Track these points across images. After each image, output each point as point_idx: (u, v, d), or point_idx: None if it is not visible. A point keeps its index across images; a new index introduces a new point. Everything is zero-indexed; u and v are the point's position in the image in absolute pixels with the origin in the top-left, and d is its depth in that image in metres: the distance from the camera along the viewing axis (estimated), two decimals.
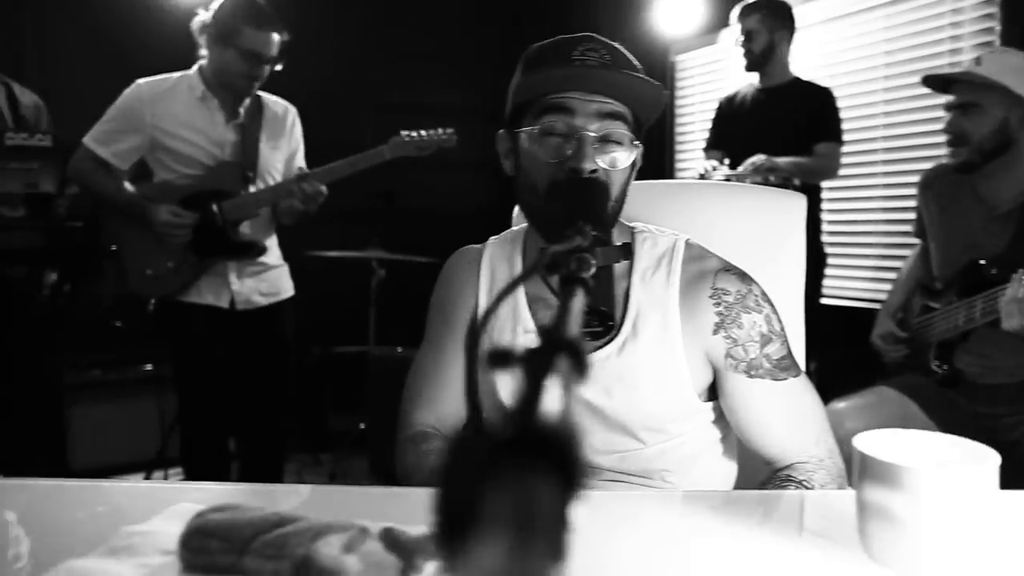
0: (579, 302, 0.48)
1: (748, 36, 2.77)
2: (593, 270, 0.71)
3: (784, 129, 2.76)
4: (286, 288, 2.37)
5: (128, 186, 2.20)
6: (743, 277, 1.03)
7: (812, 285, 2.81)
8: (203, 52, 2.21)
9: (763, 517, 0.83)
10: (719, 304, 1.00)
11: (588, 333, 0.80)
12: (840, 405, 1.79)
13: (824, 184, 3.09)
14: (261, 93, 2.28)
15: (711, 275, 1.02)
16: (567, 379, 0.31)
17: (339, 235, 3.03)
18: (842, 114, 2.90)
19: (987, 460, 0.57)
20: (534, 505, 0.20)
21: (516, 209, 1.40)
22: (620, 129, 0.96)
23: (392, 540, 0.58)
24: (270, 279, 2.31)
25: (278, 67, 2.20)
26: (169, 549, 0.61)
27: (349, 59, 3.72)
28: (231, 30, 2.12)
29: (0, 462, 2.33)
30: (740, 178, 2.60)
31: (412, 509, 0.74)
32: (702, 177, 2.68)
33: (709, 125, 3.08)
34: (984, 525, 0.55)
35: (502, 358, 0.37)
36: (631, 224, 1.09)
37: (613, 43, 0.99)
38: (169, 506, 0.71)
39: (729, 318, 1.00)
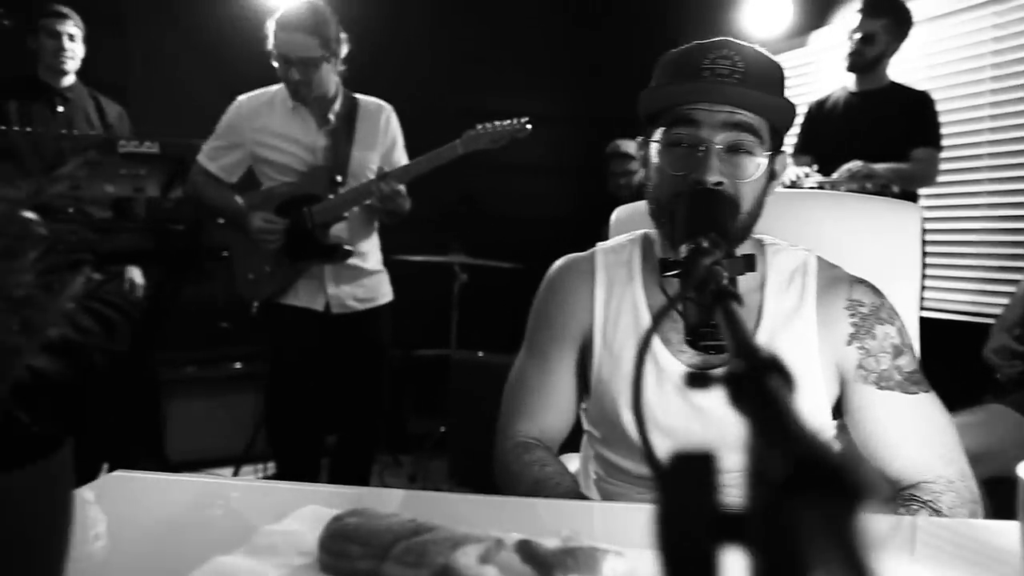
0: (740, 314, 0.47)
1: (866, 39, 2.65)
2: (724, 282, 0.69)
3: (880, 134, 2.65)
4: (384, 293, 2.41)
5: (237, 197, 2.32)
6: (875, 290, 1.03)
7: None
8: None
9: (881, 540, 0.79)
10: (854, 315, 1.00)
11: (711, 347, 0.78)
12: None
13: (922, 192, 2.95)
14: (357, 95, 2.34)
15: (846, 286, 1.02)
16: (784, 397, 0.29)
17: (422, 240, 3.07)
18: (945, 118, 2.77)
19: None
20: (847, 541, 0.18)
21: (614, 214, 1.38)
22: (748, 140, 0.93)
23: (529, 553, 0.57)
24: (367, 284, 2.36)
25: (316, 71, 2.18)
26: (307, 550, 0.62)
27: (435, 66, 3.77)
28: (270, 36, 2.18)
29: (104, 453, 2.45)
30: (834, 185, 2.51)
31: (537, 520, 0.74)
32: (792, 184, 2.59)
33: (797, 130, 2.98)
34: None
35: (701, 380, 0.35)
36: (759, 237, 1.07)
37: (749, 48, 0.97)
38: (297, 507, 0.72)
39: (863, 329, 0.99)
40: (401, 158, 2.38)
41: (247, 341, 3.01)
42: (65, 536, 0.53)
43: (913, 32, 3.09)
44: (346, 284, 2.31)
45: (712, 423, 0.98)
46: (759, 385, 0.29)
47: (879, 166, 2.54)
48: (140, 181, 2.50)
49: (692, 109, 0.93)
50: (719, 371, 0.33)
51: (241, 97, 2.32)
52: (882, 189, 2.47)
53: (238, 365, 3.23)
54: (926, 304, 2.98)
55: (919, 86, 2.78)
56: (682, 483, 0.28)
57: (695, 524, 0.26)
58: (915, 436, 0.97)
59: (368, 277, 2.36)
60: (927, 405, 0.98)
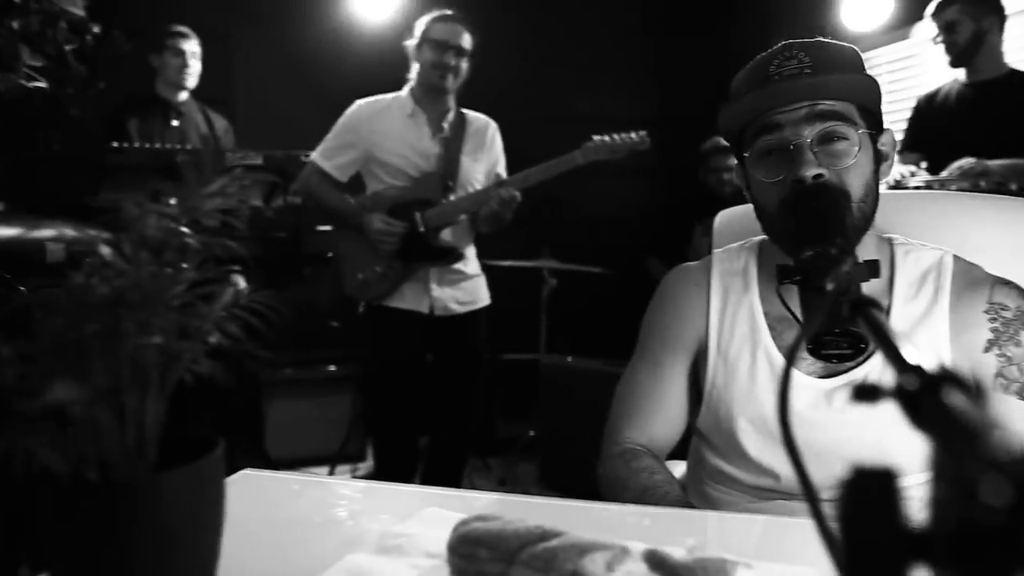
0: (881, 321, 0.45)
1: (949, 28, 2.53)
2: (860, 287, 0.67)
3: (997, 127, 2.50)
4: (482, 297, 2.47)
5: (348, 198, 2.40)
6: (1022, 292, 0.96)
7: None
8: (412, 75, 2.38)
9: None
10: (995, 320, 0.94)
11: (837, 355, 0.76)
12: None
13: None
14: (464, 110, 2.42)
15: (986, 288, 0.95)
16: (979, 410, 0.28)
17: (512, 245, 3.10)
18: None
19: None
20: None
21: (717, 219, 1.35)
22: (837, 125, 0.90)
23: (657, 561, 0.57)
24: (467, 288, 2.42)
25: (463, 62, 2.32)
26: (434, 552, 0.64)
27: (530, 72, 3.80)
28: (423, 29, 2.32)
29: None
30: (944, 184, 2.38)
31: (660, 531, 0.73)
32: (897, 184, 2.48)
33: (904, 126, 2.84)
34: None
35: (870, 393, 0.34)
36: (888, 236, 1.03)
37: (814, 41, 0.94)
38: (418, 509, 0.74)
39: (1006, 335, 0.93)
40: (503, 173, 2.45)
41: (341, 344, 3.11)
42: (218, 531, 0.57)
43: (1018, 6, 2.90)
44: (449, 287, 2.38)
45: (838, 433, 0.95)
46: (939, 401, 0.28)
47: (994, 162, 2.39)
48: (243, 192, 2.64)
49: (771, 115, 0.92)
50: (887, 385, 0.32)
51: (360, 101, 2.40)
52: (998, 187, 2.33)
53: (332, 368, 3.34)
54: None
55: None
56: (864, 502, 0.27)
57: (884, 544, 0.26)
58: None
59: (468, 280, 2.42)
60: None
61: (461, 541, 0.61)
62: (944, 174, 2.43)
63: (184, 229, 0.59)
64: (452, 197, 2.34)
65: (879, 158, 0.96)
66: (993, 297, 0.95)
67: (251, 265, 2.62)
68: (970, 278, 0.97)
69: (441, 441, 2.51)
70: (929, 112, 2.73)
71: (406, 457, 2.41)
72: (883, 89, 3.21)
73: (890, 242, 1.02)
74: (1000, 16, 2.54)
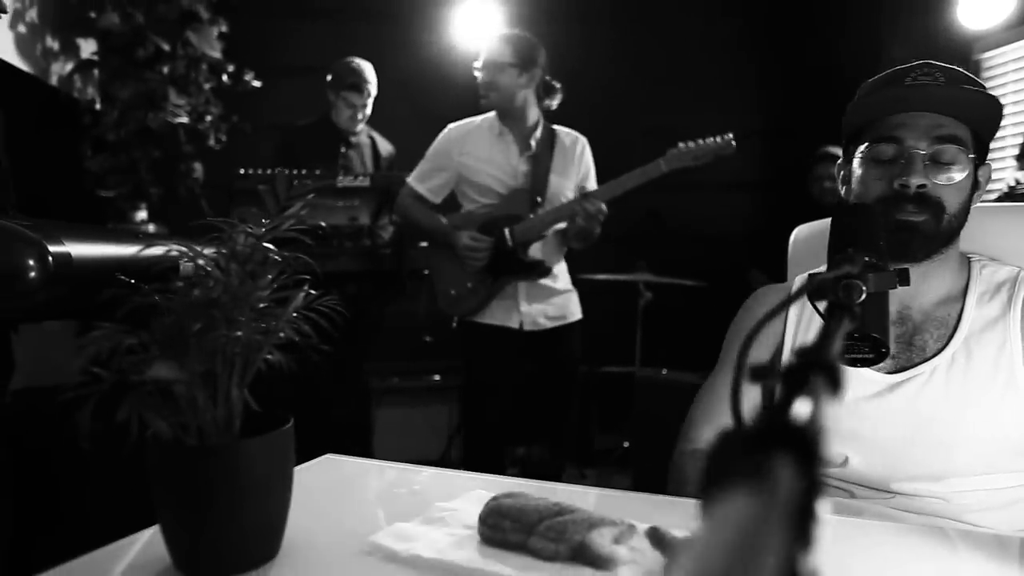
0: (843, 327, 0.51)
1: None
2: (863, 296, 0.71)
3: None
4: (574, 312, 2.51)
5: (440, 217, 2.50)
6: None
7: None
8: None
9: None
10: None
11: (859, 359, 0.79)
12: None
13: None
14: (555, 126, 2.49)
15: None
16: (821, 394, 0.34)
17: (607, 258, 3.16)
18: None
19: None
20: (780, 489, 0.25)
21: (794, 233, 1.38)
22: (952, 150, 0.96)
23: (658, 538, 0.64)
24: (557, 303, 2.47)
25: (513, 73, 2.38)
26: (470, 524, 0.73)
27: (616, 85, 3.87)
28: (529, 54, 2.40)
29: (326, 450, 2.80)
30: None
31: (675, 516, 0.79)
32: (1011, 190, 2.35)
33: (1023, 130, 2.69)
34: None
35: (761, 373, 0.41)
36: (969, 254, 1.08)
37: (951, 66, 0.99)
38: (467, 491, 0.84)
39: None
40: (593, 187, 2.48)
41: (445, 355, 3.27)
42: (287, 490, 0.69)
43: None
44: (538, 303, 2.43)
45: (902, 426, 0.98)
46: (800, 380, 0.35)
47: None
48: (354, 211, 2.85)
49: (896, 124, 0.97)
50: (779, 367, 0.38)
51: (451, 124, 2.50)
52: None
53: (437, 377, 3.51)
54: None
55: None
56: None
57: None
58: None
59: (558, 296, 2.47)
60: None
61: (489, 513, 0.70)
62: None
63: (267, 245, 0.72)
64: (540, 212, 2.39)
65: (976, 187, 1.01)
66: None
67: (359, 278, 2.80)
68: None
69: (536, 452, 2.59)
70: None
71: (495, 466, 2.49)
72: (1004, 90, 3.08)
73: (969, 259, 1.08)
74: None
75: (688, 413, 1.17)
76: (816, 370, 0.37)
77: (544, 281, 2.43)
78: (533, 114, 2.44)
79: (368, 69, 3.11)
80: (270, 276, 0.70)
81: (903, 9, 3.53)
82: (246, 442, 0.66)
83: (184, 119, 3.12)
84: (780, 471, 0.26)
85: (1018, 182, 2.40)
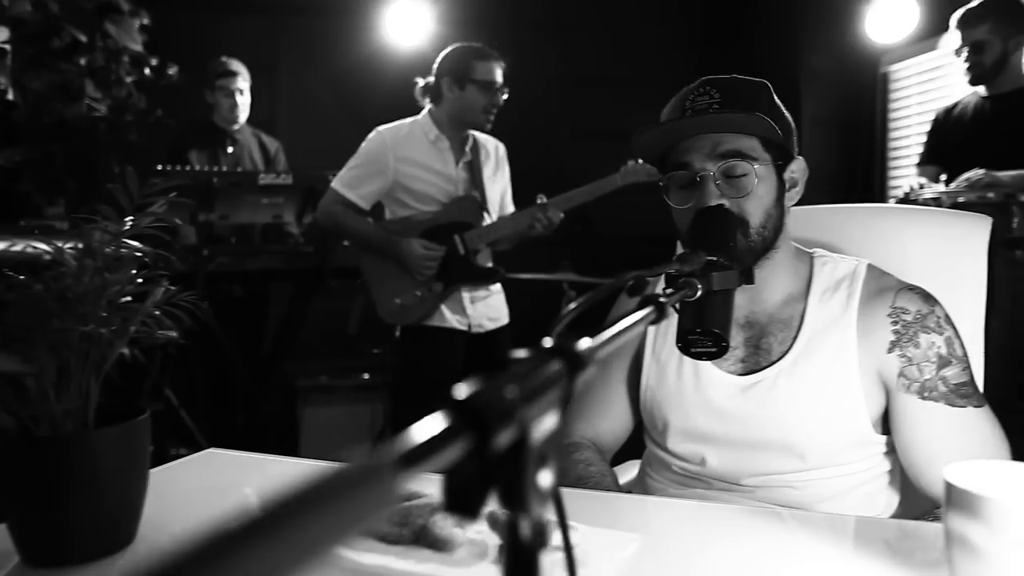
0: (636, 317, 0.56)
1: (977, 48, 2.50)
2: (699, 293, 0.77)
3: (1013, 139, 2.48)
4: (506, 314, 2.52)
5: (377, 224, 2.41)
6: (926, 298, 1.01)
7: None
8: (428, 105, 2.41)
9: (862, 542, 0.81)
10: (897, 322, 0.99)
11: (702, 353, 0.84)
12: None
13: None
14: (473, 132, 2.44)
15: (891, 293, 1.01)
16: (561, 380, 0.39)
17: (533, 258, 3.20)
18: None
19: None
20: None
21: None
22: (739, 164, 0.98)
23: (494, 521, 0.68)
24: (495, 305, 2.48)
25: (505, 95, 2.36)
26: None
27: (548, 88, 3.92)
28: (465, 68, 2.31)
29: (248, 449, 2.78)
30: (953, 196, 2.38)
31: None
32: (906, 196, 2.49)
33: (924, 140, 2.84)
34: None
35: (502, 363, 0.45)
36: (810, 250, 1.10)
37: (727, 78, 1.02)
38: None
39: (906, 337, 0.98)
40: (510, 192, 2.51)
41: (374, 354, 3.27)
42: (142, 480, 0.71)
43: None
44: (481, 305, 2.42)
45: (754, 426, 1.02)
46: (542, 363, 0.39)
47: (1004, 174, 2.38)
48: (279, 209, 2.84)
49: (684, 148, 1.00)
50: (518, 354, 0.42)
51: (382, 128, 2.39)
52: (1006, 199, 2.32)
53: (366, 376, 3.50)
54: None
55: None
56: None
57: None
58: (959, 452, 0.94)
59: (494, 297, 2.48)
60: (976, 420, 0.96)
61: None
62: (952, 186, 2.43)
63: (130, 242, 0.73)
64: (487, 219, 2.39)
65: (784, 185, 1.04)
66: (896, 302, 1.00)
67: (280, 277, 2.77)
68: (878, 285, 1.03)
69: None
70: (947, 125, 2.72)
71: None
72: (909, 102, 3.21)
73: (811, 255, 1.10)
74: None
75: (570, 408, 1.22)
76: (555, 355, 0.41)
77: (485, 287, 2.43)
78: None
79: (239, 64, 3.13)
80: (128, 273, 0.72)
81: (820, 22, 3.69)
82: (98, 432, 0.67)
83: (103, 112, 3.05)
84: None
85: (911, 188, 2.53)
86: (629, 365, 1.19)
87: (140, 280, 0.73)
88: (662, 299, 0.62)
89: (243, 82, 3.16)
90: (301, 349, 3.06)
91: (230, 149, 3.15)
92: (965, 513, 0.56)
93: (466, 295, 2.39)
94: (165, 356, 2.56)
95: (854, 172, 3.80)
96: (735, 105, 0.99)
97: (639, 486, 1.21)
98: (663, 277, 0.91)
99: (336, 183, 2.37)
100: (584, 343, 0.44)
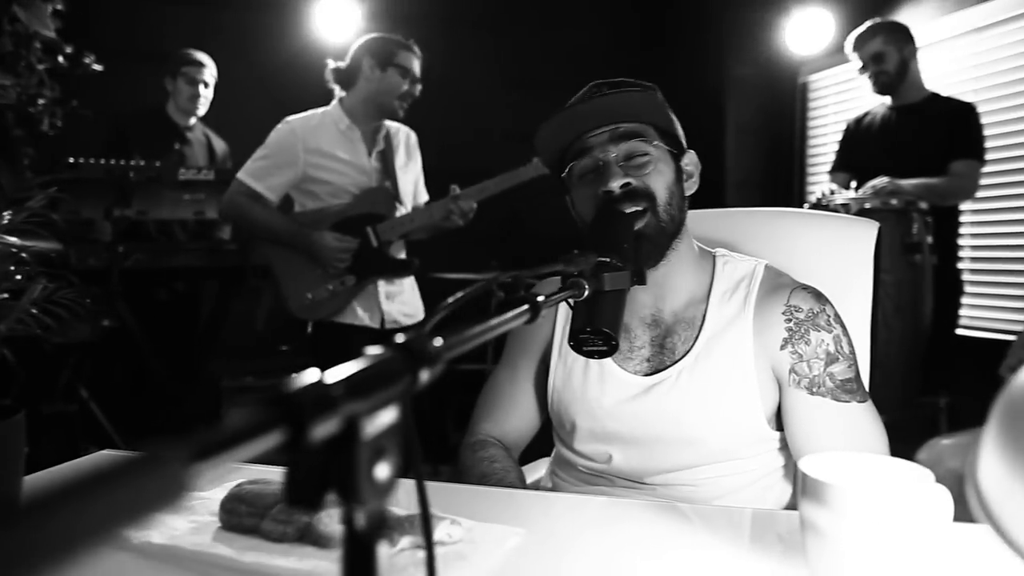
0: (506, 316, 0.58)
1: (877, 59, 2.66)
2: (586, 293, 0.79)
3: (916, 148, 2.63)
4: (420, 309, 2.49)
5: (285, 216, 2.34)
6: (818, 296, 1.05)
7: (945, 314, 2.64)
8: (339, 93, 2.38)
9: (734, 530, 0.85)
10: (790, 320, 1.03)
11: (592, 352, 0.87)
12: (944, 442, 1.69)
13: (967, 206, 2.88)
14: (385, 121, 2.41)
15: (786, 292, 1.05)
16: (403, 376, 0.40)
17: (461, 257, 3.21)
18: (990, 130, 2.71)
19: (923, 486, 0.59)
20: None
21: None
22: (638, 144, 1.02)
23: None
24: (410, 300, 2.45)
25: (419, 90, 2.36)
26: (215, 511, 0.75)
27: (475, 88, 3.94)
28: (389, 52, 2.30)
29: None
30: (860, 202, 2.50)
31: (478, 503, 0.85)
32: (819, 201, 2.60)
33: (836, 148, 2.98)
34: (916, 549, 0.57)
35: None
36: (712, 250, 1.14)
37: (619, 80, 1.06)
38: (235, 482, 0.86)
39: (798, 334, 1.02)
40: (423, 180, 2.50)
41: (302, 354, 3.22)
42: (15, 479, 0.69)
43: (954, 46, 3.04)
44: (396, 300, 2.40)
45: (656, 423, 1.05)
46: (389, 359, 0.40)
47: (907, 182, 2.51)
48: (200, 205, 2.77)
49: (580, 138, 1.04)
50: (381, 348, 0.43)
51: (291, 118, 2.34)
52: (907, 206, 2.45)
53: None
54: (969, 323, 2.90)
55: (966, 98, 2.73)
56: None
57: None
58: (843, 444, 0.99)
59: (409, 293, 2.46)
60: (859, 415, 1.01)
61: (228, 499, 0.73)
62: (860, 193, 2.55)
63: (7, 238, 0.71)
64: (400, 210, 2.38)
65: (682, 174, 1.08)
66: (790, 300, 1.04)
67: (203, 275, 2.70)
68: (774, 284, 1.07)
69: None
70: (857, 134, 2.86)
71: None
72: (827, 111, 3.37)
73: (713, 255, 1.13)
74: (915, 45, 2.68)
75: (476, 405, 1.23)
76: (402, 352, 0.42)
77: (399, 279, 2.41)
78: None
79: (208, 58, 3.04)
80: (4, 268, 0.70)
81: (743, 33, 3.81)
82: None
83: (10, 100, 2.91)
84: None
85: (823, 194, 2.64)
86: (537, 365, 1.20)
87: (18, 277, 0.71)
88: (539, 299, 0.64)
89: (209, 75, 3.04)
90: (229, 349, 2.99)
91: (176, 146, 3.02)
92: (814, 500, 0.60)
93: (381, 290, 2.36)
94: (81, 355, 2.47)
95: (776, 178, 3.94)
96: (626, 87, 1.03)
97: (547, 483, 1.24)
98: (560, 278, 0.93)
99: (242, 173, 2.31)
100: (435, 342, 0.45)
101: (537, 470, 1.34)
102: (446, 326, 0.51)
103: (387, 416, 0.39)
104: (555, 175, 1.13)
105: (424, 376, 0.43)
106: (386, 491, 0.38)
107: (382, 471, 0.38)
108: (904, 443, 1.30)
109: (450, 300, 0.58)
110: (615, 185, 1.00)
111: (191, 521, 0.74)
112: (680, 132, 1.09)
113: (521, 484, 1.11)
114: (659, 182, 1.03)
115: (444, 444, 3.49)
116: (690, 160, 1.10)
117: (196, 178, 2.67)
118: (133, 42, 3.63)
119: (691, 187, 1.10)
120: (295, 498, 0.37)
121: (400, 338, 0.43)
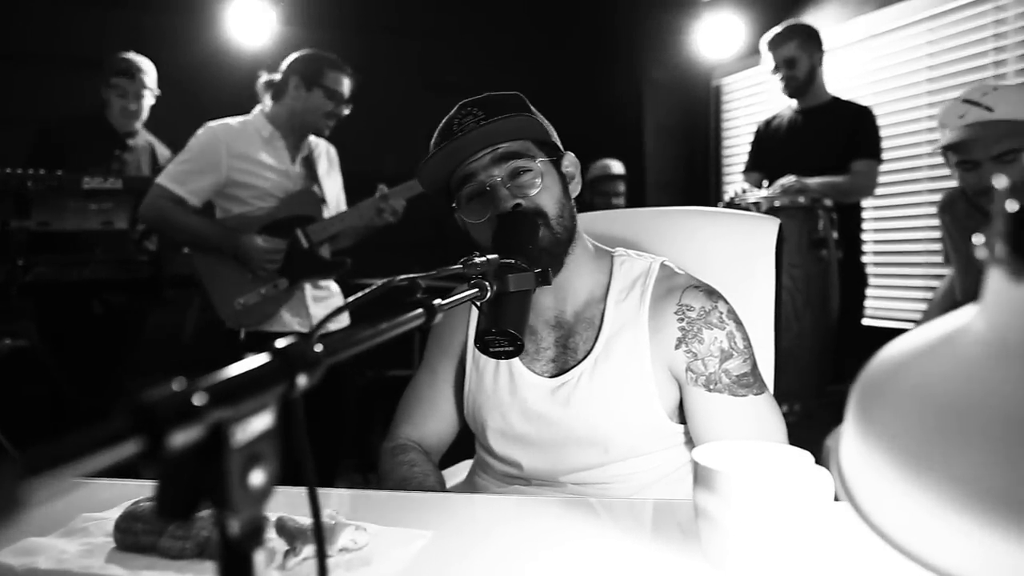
0: (402, 319, 0.58)
1: (789, 64, 2.77)
2: (488, 295, 0.80)
3: (820, 149, 2.75)
4: (346, 313, 2.47)
5: (210, 221, 2.30)
6: (710, 294, 1.07)
7: (852, 306, 2.78)
8: (267, 102, 2.36)
9: (636, 520, 0.88)
10: (683, 319, 1.05)
11: (499, 352, 0.88)
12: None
13: (868, 203, 3.04)
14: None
15: (679, 292, 1.07)
16: (278, 382, 0.40)
17: (383, 264, 3.18)
18: (887, 131, 2.86)
19: (805, 469, 0.62)
20: None
21: None
22: (518, 163, 1.03)
23: (281, 526, 0.68)
24: (338, 303, 2.43)
25: (348, 110, 2.35)
26: (111, 531, 0.73)
27: (392, 91, 3.92)
28: (316, 72, 2.28)
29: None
30: (770, 200, 2.61)
31: (394, 510, 0.84)
32: (732, 200, 2.69)
33: (748, 149, 3.09)
34: (799, 528, 0.60)
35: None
36: (611, 250, 1.15)
37: (484, 96, 1.07)
38: (132, 500, 0.83)
39: (691, 333, 1.04)
40: (343, 195, 2.50)
41: (223, 365, 3.13)
42: None
43: (854, 51, 3.21)
44: (323, 304, 2.37)
45: (563, 424, 1.06)
46: (266, 365, 0.40)
47: (812, 180, 2.63)
48: (108, 215, 2.66)
49: (466, 167, 1.04)
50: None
51: (213, 123, 2.32)
52: (813, 203, 2.56)
53: None
54: (874, 313, 3.06)
55: (863, 101, 2.87)
56: None
57: None
58: (743, 436, 0.99)
59: (334, 298, 2.44)
60: (757, 407, 1.04)
61: (123, 518, 0.70)
62: (769, 191, 2.65)
63: None
64: (327, 213, 2.36)
65: (565, 179, 1.09)
66: (682, 299, 1.06)
67: (113, 287, 2.58)
68: (668, 284, 1.09)
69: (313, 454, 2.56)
70: (766, 135, 2.98)
71: None
72: (738, 113, 3.48)
73: (611, 255, 1.15)
74: (823, 51, 2.81)
75: (397, 410, 1.23)
76: (284, 358, 0.42)
77: (324, 282, 2.39)
78: None
79: (146, 62, 2.90)
80: None
81: (658, 36, 3.91)
82: None
83: None
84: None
85: (736, 193, 2.74)
86: (456, 368, 1.21)
87: None
88: (436, 302, 0.64)
89: (146, 82, 2.85)
90: (152, 365, 2.87)
91: (117, 152, 2.86)
92: (703, 487, 0.62)
93: (308, 295, 2.34)
94: None
95: (694, 177, 4.06)
96: (498, 113, 1.02)
97: (468, 486, 1.24)
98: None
99: (162, 178, 2.25)
100: (316, 347, 0.45)
101: (460, 472, 1.35)
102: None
103: (261, 422, 0.38)
104: (443, 199, 1.12)
105: (302, 381, 0.42)
106: (262, 498, 0.38)
107: (257, 478, 0.38)
108: (817, 430, 1.36)
109: (338, 306, 0.58)
110: (506, 207, 1.01)
111: (83, 544, 0.71)
112: (555, 136, 1.11)
113: (441, 487, 1.12)
114: (548, 198, 1.04)
115: (372, 451, 3.45)
116: (570, 161, 1.12)
117: (102, 187, 2.56)
118: (66, 46, 3.45)
119: (575, 188, 1.12)
120: (165, 509, 0.36)
121: (280, 343, 0.43)
